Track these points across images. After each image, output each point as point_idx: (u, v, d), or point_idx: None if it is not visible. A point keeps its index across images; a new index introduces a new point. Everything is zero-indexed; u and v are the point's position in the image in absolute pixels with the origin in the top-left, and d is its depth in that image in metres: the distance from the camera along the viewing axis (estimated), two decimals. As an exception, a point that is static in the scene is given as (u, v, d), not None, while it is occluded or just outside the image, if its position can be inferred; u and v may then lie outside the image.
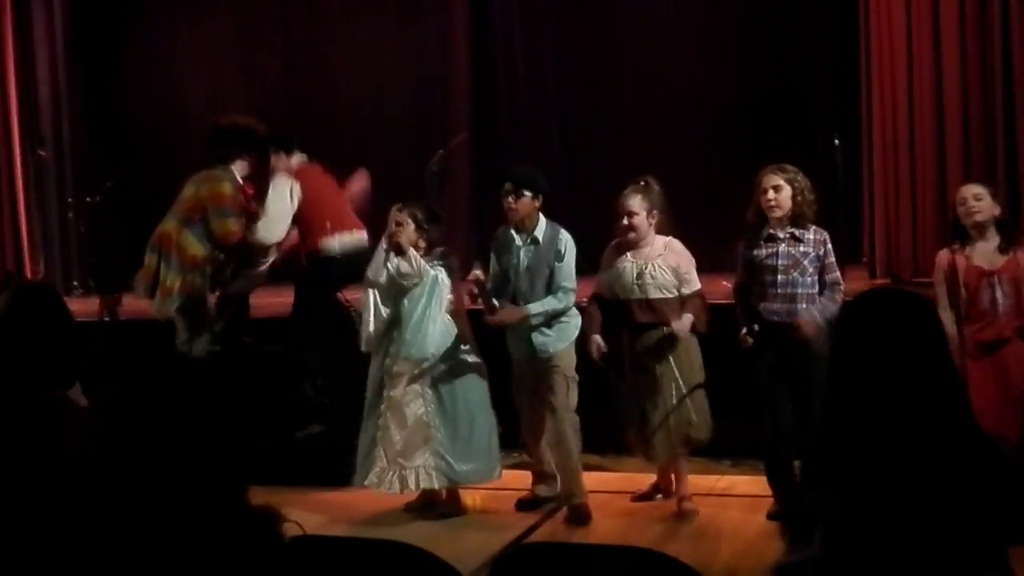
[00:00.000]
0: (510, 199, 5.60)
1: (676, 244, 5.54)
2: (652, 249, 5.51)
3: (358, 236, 6.63)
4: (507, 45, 9.55)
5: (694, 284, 5.53)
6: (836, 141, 6.95)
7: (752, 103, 8.78)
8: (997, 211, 5.20)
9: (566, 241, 5.64)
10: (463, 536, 5.54)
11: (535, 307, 5.56)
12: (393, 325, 5.72)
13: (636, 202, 5.49)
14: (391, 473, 5.72)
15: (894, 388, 1.84)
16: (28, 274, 9.25)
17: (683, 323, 5.41)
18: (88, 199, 8.61)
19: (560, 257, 5.60)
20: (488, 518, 5.80)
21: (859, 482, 1.81)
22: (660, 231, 5.54)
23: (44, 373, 2.81)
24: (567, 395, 5.64)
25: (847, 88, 8.13)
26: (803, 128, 8.49)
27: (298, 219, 6.61)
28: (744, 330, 5.37)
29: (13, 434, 2.63)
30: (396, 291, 5.68)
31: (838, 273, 5.33)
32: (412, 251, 5.62)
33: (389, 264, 5.67)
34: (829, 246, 5.30)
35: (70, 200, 9.43)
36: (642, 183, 5.55)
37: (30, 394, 2.74)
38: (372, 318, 5.73)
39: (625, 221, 5.50)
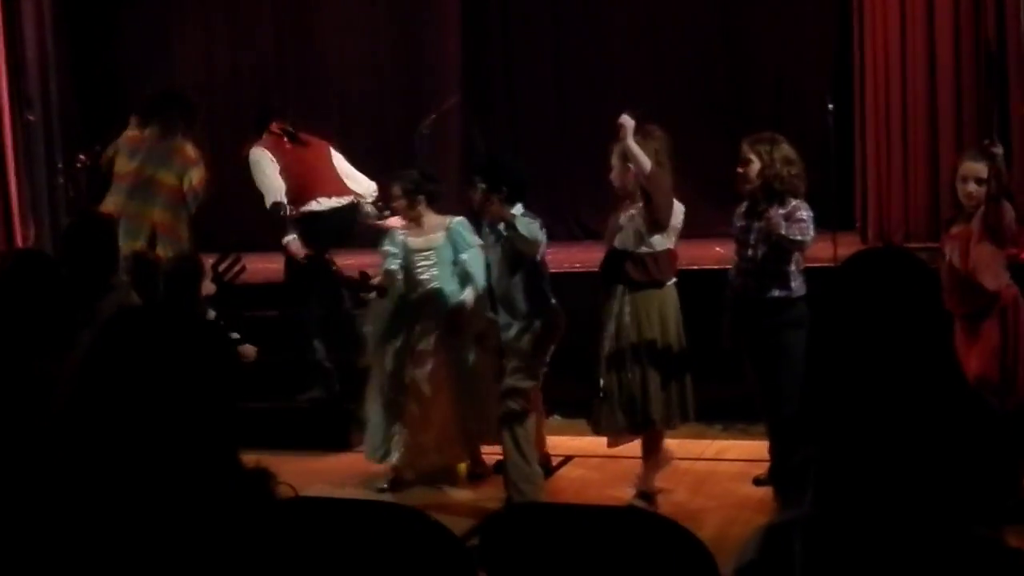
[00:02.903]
0: (471, 191, 5.33)
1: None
2: (635, 203, 5.18)
3: (344, 198, 6.68)
4: (500, 6, 9.48)
5: (655, 246, 5.12)
6: (830, 106, 6.92)
7: (745, 67, 8.75)
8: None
9: (526, 225, 5.14)
10: (454, 497, 5.57)
11: (520, 216, 5.13)
12: (416, 303, 5.66)
13: (614, 154, 5.18)
14: (412, 454, 5.68)
15: (885, 344, 1.84)
16: (18, 239, 9.19)
17: None
18: (77, 163, 8.55)
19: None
20: (479, 480, 5.82)
21: (849, 439, 1.81)
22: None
23: (40, 340, 2.80)
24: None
25: (840, 53, 8.10)
26: (796, 93, 8.47)
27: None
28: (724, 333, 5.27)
29: (4, 400, 2.63)
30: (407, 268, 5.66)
31: (798, 231, 4.98)
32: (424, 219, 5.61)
33: (392, 245, 5.66)
34: (801, 215, 4.99)
35: (59, 165, 9.36)
36: (639, 133, 5.13)
37: (23, 362, 2.74)
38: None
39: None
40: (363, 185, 6.80)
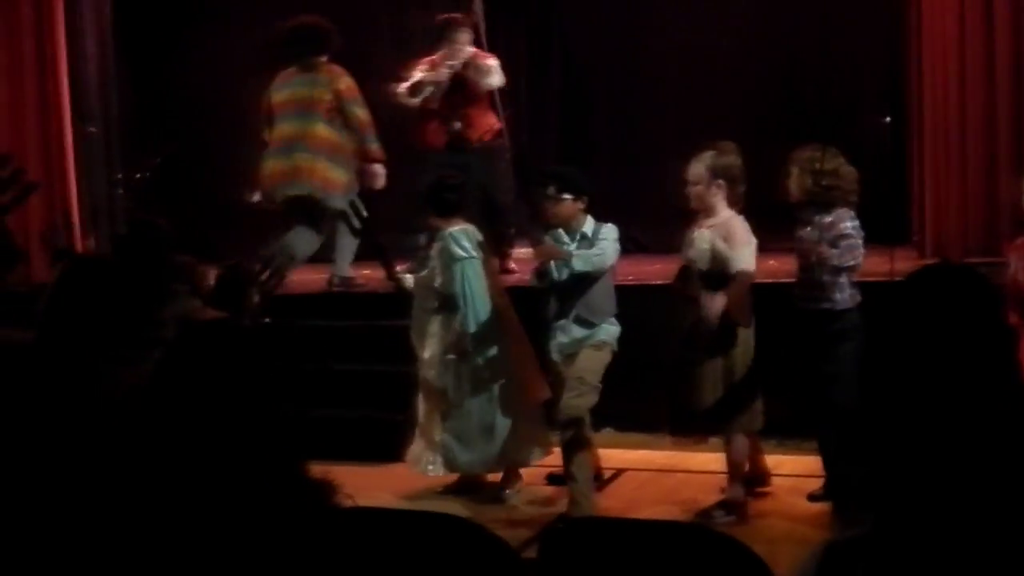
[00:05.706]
0: (547, 203, 5.43)
1: (736, 220, 5.17)
2: (712, 220, 5.19)
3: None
4: (557, 24, 9.50)
5: (736, 263, 5.08)
6: (887, 119, 6.85)
7: (800, 80, 8.69)
8: None
9: (609, 230, 5.41)
10: (511, 509, 5.57)
11: (577, 252, 5.33)
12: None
13: (692, 171, 5.21)
14: (421, 453, 5.77)
15: (949, 362, 1.83)
16: (78, 249, 9.33)
17: (713, 305, 5.06)
18: (137, 175, 8.69)
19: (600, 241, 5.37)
20: (534, 492, 5.82)
21: (911, 458, 1.80)
22: (733, 202, 5.21)
23: (101, 346, 2.83)
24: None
25: (897, 66, 8.02)
26: (853, 106, 8.40)
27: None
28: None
29: (66, 408, 2.67)
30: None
31: (847, 249, 5.00)
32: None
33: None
34: (846, 228, 5.00)
35: (119, 176, 9.51)
36: (714, 148, 5.23)
37: (85, 367, 2.77)
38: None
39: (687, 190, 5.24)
40: None
